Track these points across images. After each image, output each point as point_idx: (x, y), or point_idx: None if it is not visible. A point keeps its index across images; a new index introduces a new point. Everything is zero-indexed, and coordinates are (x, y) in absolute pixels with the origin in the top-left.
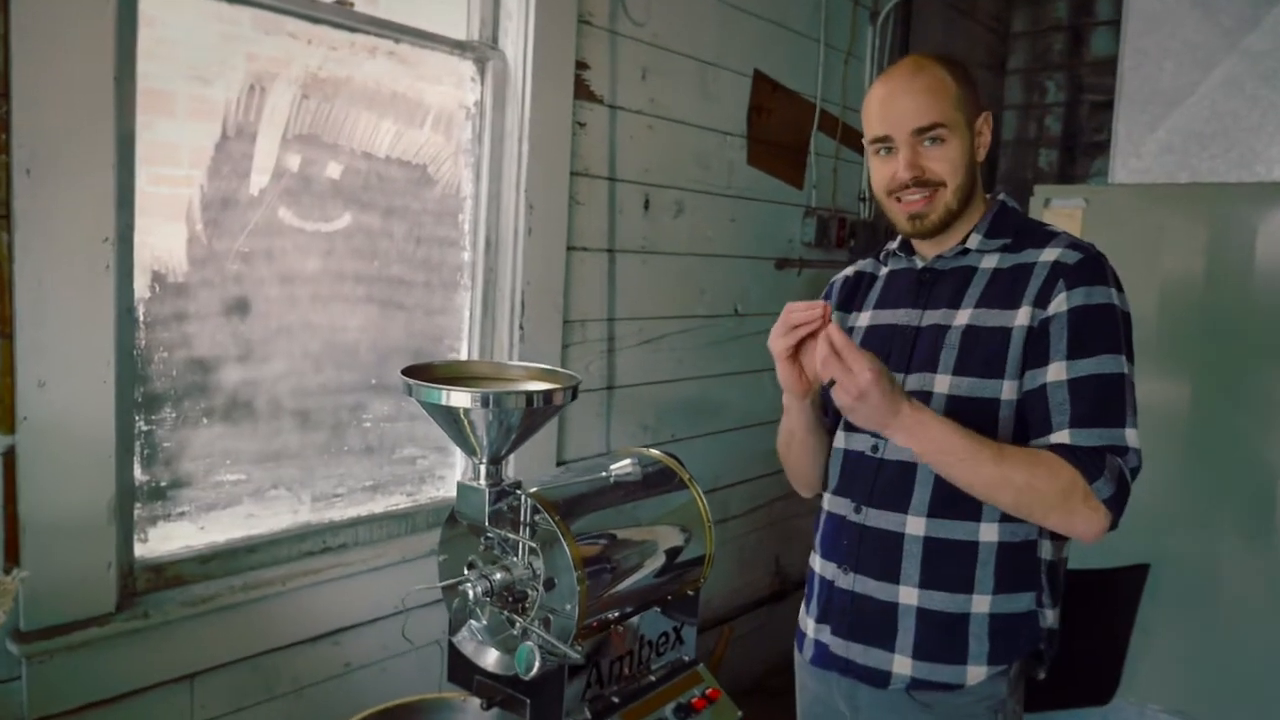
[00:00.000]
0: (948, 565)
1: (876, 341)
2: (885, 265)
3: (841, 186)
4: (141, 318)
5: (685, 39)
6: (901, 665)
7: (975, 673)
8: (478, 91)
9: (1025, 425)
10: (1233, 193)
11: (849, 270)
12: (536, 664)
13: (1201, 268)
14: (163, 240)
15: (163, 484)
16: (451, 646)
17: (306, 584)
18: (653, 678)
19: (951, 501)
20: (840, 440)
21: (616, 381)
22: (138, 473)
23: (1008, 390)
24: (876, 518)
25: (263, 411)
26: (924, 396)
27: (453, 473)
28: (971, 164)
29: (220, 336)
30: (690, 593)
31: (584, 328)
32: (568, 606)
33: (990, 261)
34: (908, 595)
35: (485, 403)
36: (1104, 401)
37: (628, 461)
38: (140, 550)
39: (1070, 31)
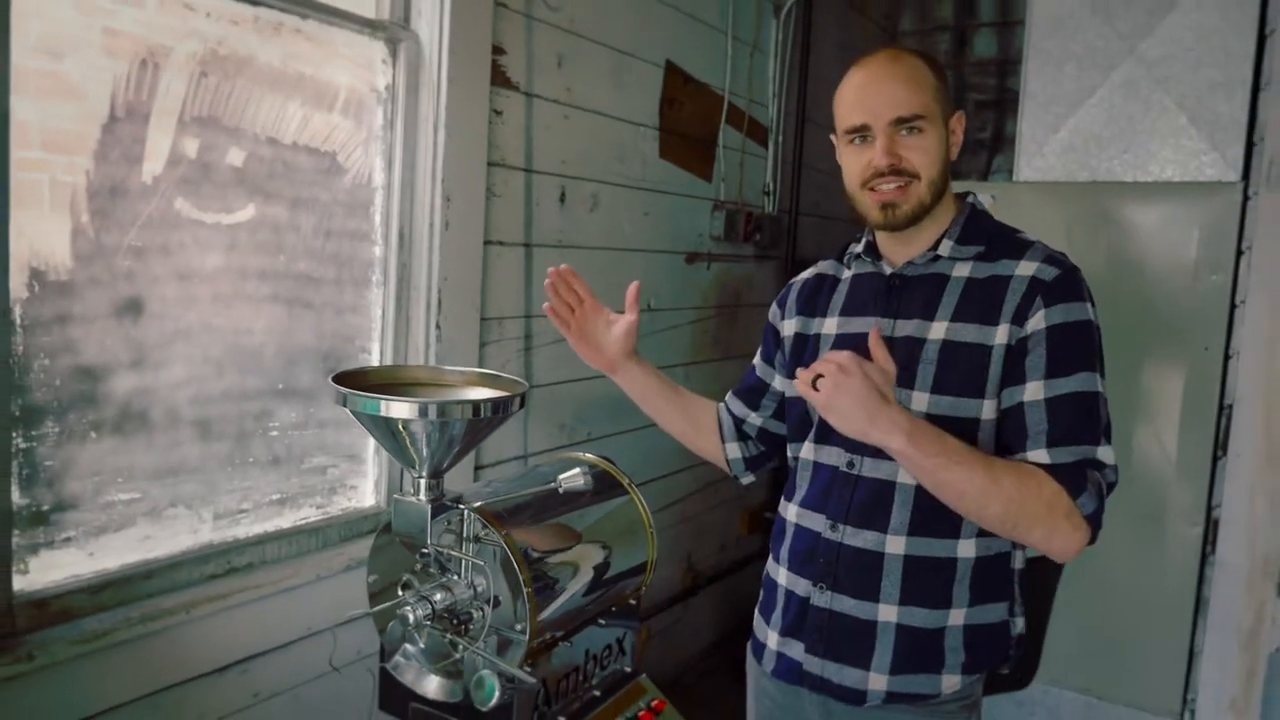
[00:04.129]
0: (927, 582)
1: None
2: (848, 268)
3: (748, 180)
4: (19, 321)
5: (600, 26)
6: (877, 682)
7: (950, 682)
8: (389, 74)
9: (1002, 445)
10: (1128, 192)
11: (808, 273)
12: (497, 696)
13: (1102, 264)
14: (42, 233)
15: (45, 507)
16: (385, 673)
17: (211, 611)
18: (597, 692)
19: (932, 520)
20: (809, 451)
21: (534, 380)
22: (16, 496)
23: (987, 410)
24: (854, 536)
25: (159, 422)
26: None
27: (365, 482)
28: (945, 160)
29: (110, 341)
30: (632, 601)
31: (501, 325)
32: (517, 627)
33: (963, 270)
34: (887, 613)
35: (429, 413)
36: (1080, 420)
37: (576, 471)
38: (20, 583)
39: (955, 32)
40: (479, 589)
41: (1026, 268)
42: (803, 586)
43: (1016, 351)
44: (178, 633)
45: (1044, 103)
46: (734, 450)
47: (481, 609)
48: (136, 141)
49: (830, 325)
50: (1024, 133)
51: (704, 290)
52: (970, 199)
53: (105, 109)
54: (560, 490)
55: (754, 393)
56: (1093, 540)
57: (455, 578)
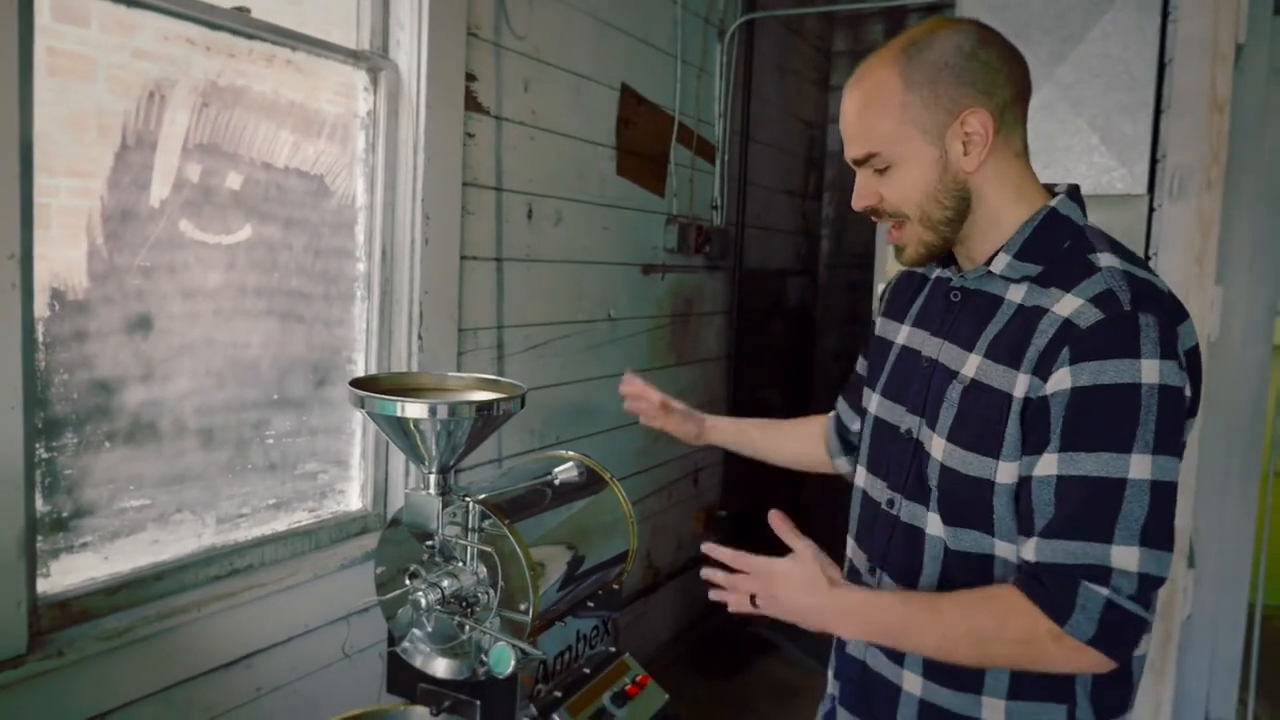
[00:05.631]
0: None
1: (902, 370)
2: (934, 268)
3: (697, 195)
4: (41, 338)
5: (562, 52)
6: None
7: None
8: (371, 101)
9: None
10: None
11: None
12: (513, 662)
13: None
14: (61, 255)
15: (65, 514)
16: (394, 657)
17: (218, 609)
18: (586, 670)
19: (961, 578)
20: (861, 478)
21: None
22: (39, 504)
23: (1004, 473)
24: (890, 587)
25: (166, 432)
26: (922, 454)
27: (352, 486)
28: (947, 187)
29: (122, 355)
30: (615, 586)
31: (476, 336)
32: (521, 606)
33: (1016, 294)
34: (911, 682)
35: (439, 413)
36: (1091, 512)
37: (570, 465)
38: (42, 586)
39: None
40: (481, 575)
41: (1067, 304)
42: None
43: (1036, 411)
44: (188, 630)
45: None
46: (844, 465)
47: (487, 592)
48: (145, 168)
49: (903, 334)
50: None
51: (659, 300)
52: (1056, 201)
53: (118, 138)
54: (556, 482)
55: (857, 391)
56: (1116, 656)
57: (460, 565)
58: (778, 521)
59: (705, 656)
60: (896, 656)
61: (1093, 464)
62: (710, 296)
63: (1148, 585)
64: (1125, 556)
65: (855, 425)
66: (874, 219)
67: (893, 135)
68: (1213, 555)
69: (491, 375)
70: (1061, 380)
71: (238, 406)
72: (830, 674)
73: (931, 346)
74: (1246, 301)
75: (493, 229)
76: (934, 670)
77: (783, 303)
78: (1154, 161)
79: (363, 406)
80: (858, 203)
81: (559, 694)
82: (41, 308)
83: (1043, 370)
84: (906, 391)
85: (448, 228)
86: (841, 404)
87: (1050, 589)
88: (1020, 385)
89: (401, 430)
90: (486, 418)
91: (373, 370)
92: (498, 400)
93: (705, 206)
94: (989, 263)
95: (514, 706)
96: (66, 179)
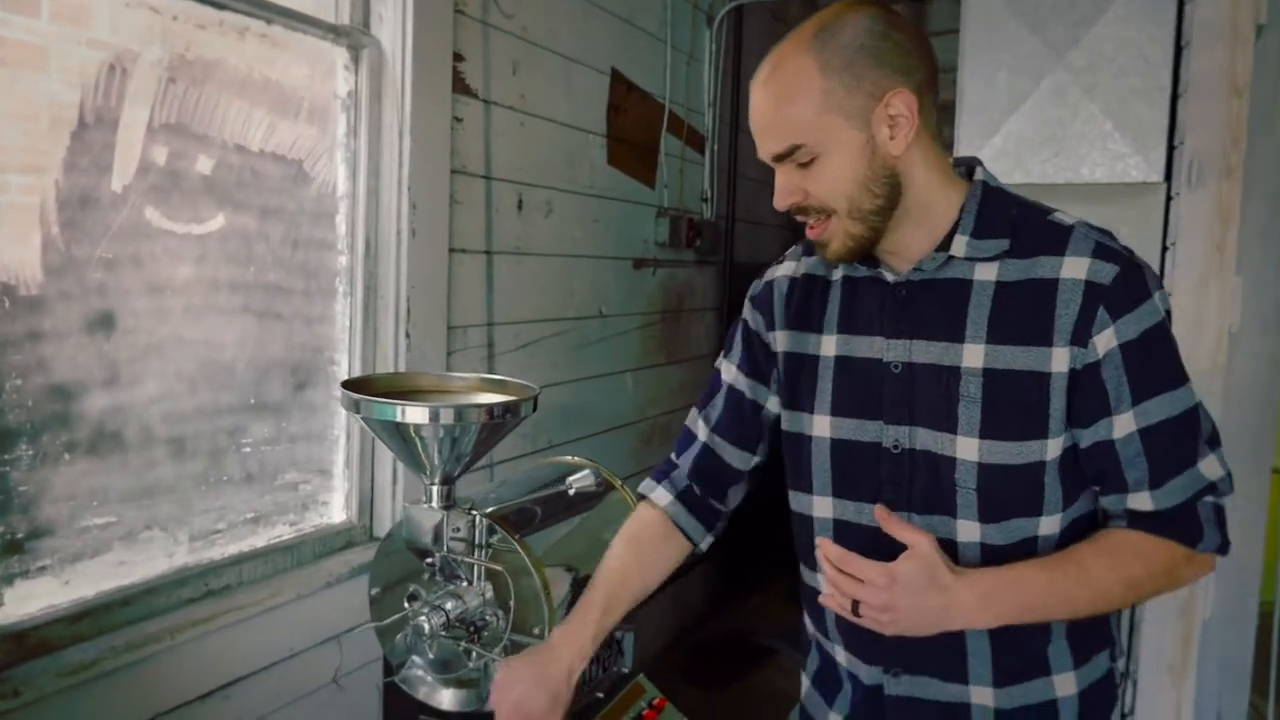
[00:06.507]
0: (1017, 654)
1: (853, 383)
2: (837, 270)
3: (688, 187)
4: None
5: (550, 33)
6: None
7: None
8: (352, 81)
9: (1072, 483)
10: (1060, 193)
11: (787, 269)
12: None
13: None
14: (12, 250)
15: (19, 535)
16: (391, 688)
17: (194, 635)
18: (600, 694)
19: None
20: (825, 508)
21: None
22: None
23: (1051, 450)
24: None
25: (133, 442)
26: (948, 463)
27: (336, 497)
28: (876, 173)
29: (82, 358)
30: None
31: (466, 334)
32: (535, 630)
33: (988, 273)
34: (981, 696)
35: (443, 418)
36: (1181, 447)
37: (586, 472)
38: None
39: None
40: (488, 595)
41: (1075, 267)
42: (868, 673)
43: (1087, 379)
44: (161, 660)
45: (978, 109)
46: (708, 544)
47: (495, 614)
48: (106, 148)
49: (829, 345)
50: (961, 139)
51: (650, 295)
52: (979, 174)
53: (74, 115)
54: (571, 492)
55: (744, 423)
56: (1228, 547)
57: (465, 584)
58: (884, 516)
59: (699, 665)
60: (960, 675)
61: (1163, 407)
62: (700, 292)
63: (1229, 476)
64: (1212, 466)
65: (734, 489)
66: (798, 218)
67: (815, 124)
68: None
69: (497, 375)
70: (1108, 341)
71: (211, 412)
72: (811, 684)
73: (895, 350)
74: (1263, 291)
75: (482, 220)
76: (1006, 673)
77: None
78: (1171, 148)
79: (357, 411)
80: (780, 201)
81: None
82: None
83: (1081, 337)
84: (875, 404)
85: (435, 218)
86: (703, 468)
87: (1179, 524)
88: (1059, 359)
89: (400, 437)
90: (495, 423)
91: (356, 372)
92: (509, 403)
93: (695, 199)
94: (945, 248)
95: None
96: (18, 175)
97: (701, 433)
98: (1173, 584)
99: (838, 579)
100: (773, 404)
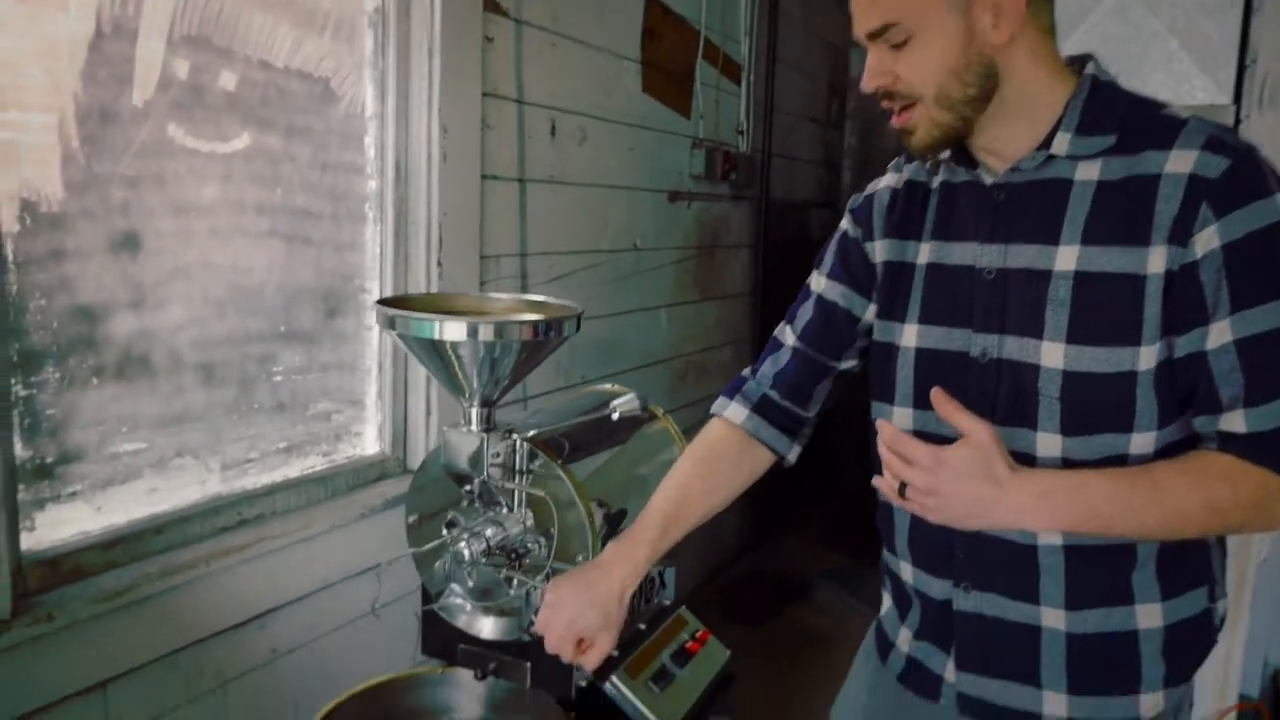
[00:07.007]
0: (1096, 577)
1: (945, 291)
2: (937, 174)
3: (723, 118)
4: (11, 256)
5: None
6: (1055, 705)
7: (1151, 702)
8: None
9: (1169, 398)
10: None
11: (889, 179)
12: None
13: None
14: (29, 160)
15: (49, 459)
16: (429, 616)
17: (228, 564)
18: (641, 625)
19: None
20: (906, 420)
21: None
22: (18, 448)
23: (1145, 359)
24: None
25: (161, 367)
26: (1031, 371)
27: (369, 428)
28: (971, 62)
29: (107, 279)
30: None
31: (499, 263)
32: (579, 558)
33: (1090, 171)
34: (1052, 618)
35: (483, 334)
36: None
37: (631, 396)
38: (28, 541)
39: None
40: (530, 522)
41: (1181, 161)
42: (939, 588)
43: (1184, 282)
44: (195, 588)
45: None
46: (795, 456)
47: (537, 541)
48: (125, 60)
49: (925, 253)
50: None
51: (685, 230)
52: (1090, 68)
53: (91, 24)
54: (615, 416)
55: (837, 333)
56: None
57: (504, 511)
58: (941, 400)
59: (734, 602)
60: (1030, 594)
61: (1268, 318)
62: (736, 228)
63: None
64: None
65: (820, 388)
66: (884, 104)
67: (909, 6)
68: None
69: (539, 297)
70: (1209, 240)
71: (240, 339)
72: (907, 633)
73: (989, 255)
74: None
75: (515, 146)
76: (1081, 596)
77: (806, 237)
78: (1241, 68)
79: (393, 327)
80: (869, 83)
81: (615, 653)
82: (9, 220)
83: (1181, 236)
84: (967, 312)
85: (467, 142)
86: (787, 373)
87: (1269, 452)
88: (1155, 260)
89: (438, 356)
90: (537, 341)
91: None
92: (551, 320)
93: (731, 131)
94: (1047, 146)
95: (569, 668)
96: (40, 114)
97: (789, 339)
98: (1264, 521)
99: (889, 459)
100: (869, 313)
